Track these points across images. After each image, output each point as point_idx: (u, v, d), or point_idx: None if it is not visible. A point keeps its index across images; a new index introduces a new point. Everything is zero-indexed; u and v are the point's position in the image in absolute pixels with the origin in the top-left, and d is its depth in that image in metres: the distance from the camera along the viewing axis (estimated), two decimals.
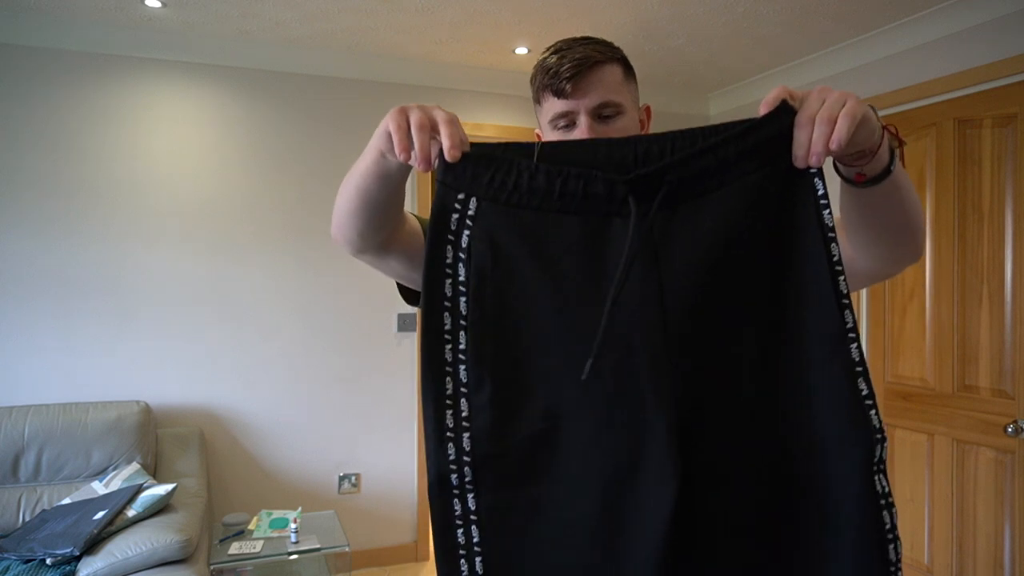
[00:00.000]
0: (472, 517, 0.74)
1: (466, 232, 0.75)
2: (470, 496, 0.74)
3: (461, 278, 0.75)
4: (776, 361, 0.74)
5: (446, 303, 0.75)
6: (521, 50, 3.41)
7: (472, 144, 0.75)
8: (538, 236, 0.74)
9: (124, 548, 2.30)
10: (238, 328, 3.36)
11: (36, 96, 3.05)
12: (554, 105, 1.01)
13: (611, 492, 0.72)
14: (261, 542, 2.80)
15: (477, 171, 0.74)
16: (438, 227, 0.75)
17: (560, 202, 0.74)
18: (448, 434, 0.74)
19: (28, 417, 2.78)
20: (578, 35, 1.08)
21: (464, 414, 0.74)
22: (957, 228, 2.88)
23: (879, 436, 0.70)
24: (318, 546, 2.81)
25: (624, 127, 1.02)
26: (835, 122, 0.68)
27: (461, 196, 0.75)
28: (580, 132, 0.99)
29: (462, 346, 0.75)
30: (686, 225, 0.73)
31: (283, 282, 3.43)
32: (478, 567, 0.74)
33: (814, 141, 0.69)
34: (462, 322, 0.75)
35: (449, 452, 0.74)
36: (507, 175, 0.74)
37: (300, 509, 3.02)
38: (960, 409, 2.88)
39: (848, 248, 0.89)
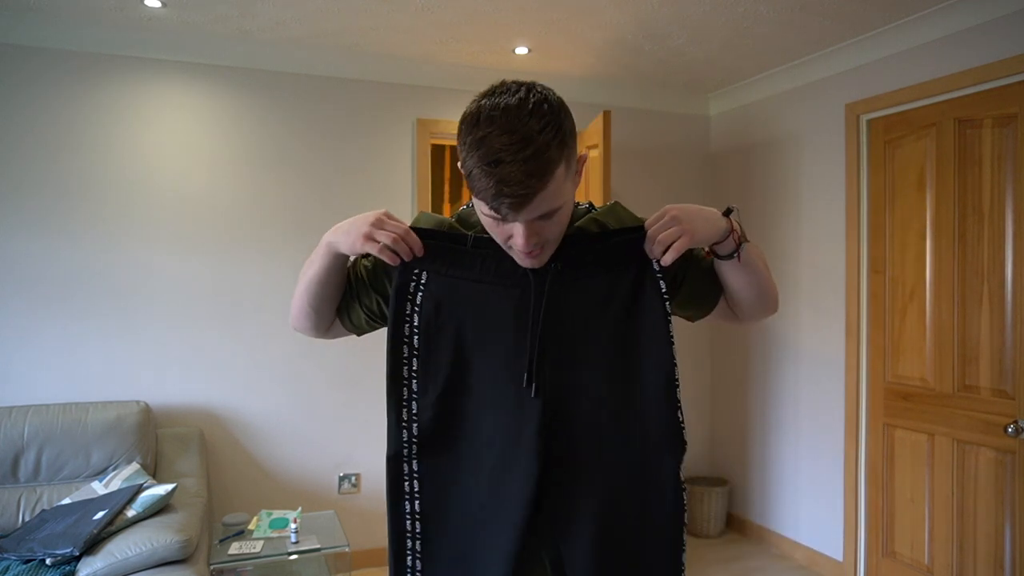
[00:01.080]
0: (415, 474, 1.11)
1: (420, 294, 1.10)
2: (414, 461, 1.11)
3: (415, 324, 1.10)
4: (622, 394, 1.09)
5: (405, 339, 1.10)
6: (521, 50, 3.41)
7: (419, 232, 1.09)
8: (466, 297, 1.09)
9: (124, 548, 2.30)
10: (238, 328, 3.36)
11: (36, 96, 3.05)
12: (487, 209, 0.97)
13: (497, 466, 1.07)
14: (261, 542, 2.80)
15: (427, 256, 1.09)
16: (401, 290, 1.10)
17: (481, 275, 1.08)
18: (403, 424, 1.11)
19: (28, 417, 2.78)
20: (527, 79, 1.00)
21: (414, 412, 1.11)
22: (957, 228, 2.88)
23: (685, 447, 1.10)
24: (318, 546, 2.81)
25: (560, 220, 1.00)
26: (666, 245, 1.05)
27: (416, 271, 1.10)
28: (516, 238, 0.98)
29: (414, 368, 1.11)
30: (564, 296, 1.07)
31: (283, 282, 3.43)
32: (417, 507, 1.11)
33: (653, 251, 1.07)
34: (415, 352, 1.10)
35: (403, 436, 1.11)
36: (447, 258, 1.09)
37: (300, 509, 3.02)
38: (960, 409, 2.88)
39: (725, 305, 1.25)
